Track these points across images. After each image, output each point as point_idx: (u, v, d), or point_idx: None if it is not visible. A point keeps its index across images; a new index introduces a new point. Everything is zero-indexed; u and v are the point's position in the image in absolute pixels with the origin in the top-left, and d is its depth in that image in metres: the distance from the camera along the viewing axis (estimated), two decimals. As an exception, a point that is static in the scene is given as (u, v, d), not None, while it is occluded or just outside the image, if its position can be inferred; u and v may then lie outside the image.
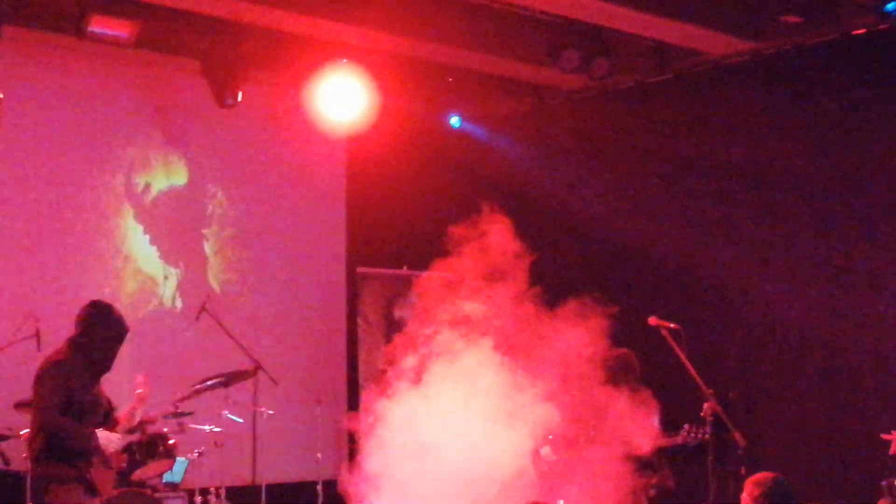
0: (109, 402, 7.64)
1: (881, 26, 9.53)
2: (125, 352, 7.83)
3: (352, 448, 8.51)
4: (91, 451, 7.29)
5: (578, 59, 10.43)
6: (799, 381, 9.88)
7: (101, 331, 7.44)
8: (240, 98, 10.48)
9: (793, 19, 9.78)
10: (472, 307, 8.27)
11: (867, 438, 9.27)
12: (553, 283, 8.32)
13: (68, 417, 7.20)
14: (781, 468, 9.19)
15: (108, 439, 7.30)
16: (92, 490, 7.31)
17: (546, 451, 8.38)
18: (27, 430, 8.07)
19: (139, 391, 7.74)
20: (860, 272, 9.57)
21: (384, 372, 8.39)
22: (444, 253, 8.26)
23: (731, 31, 10.16)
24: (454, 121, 10.84)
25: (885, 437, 6.94)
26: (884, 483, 7.04)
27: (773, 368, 10.07)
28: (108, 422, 7.53)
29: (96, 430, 7.24)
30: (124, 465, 8.22)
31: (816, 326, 9.76)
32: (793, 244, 9.98)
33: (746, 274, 10.19)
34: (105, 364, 7.47)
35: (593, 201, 11.10)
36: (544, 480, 8.35)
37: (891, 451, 6.98)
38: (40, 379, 7.34)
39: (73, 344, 7.46)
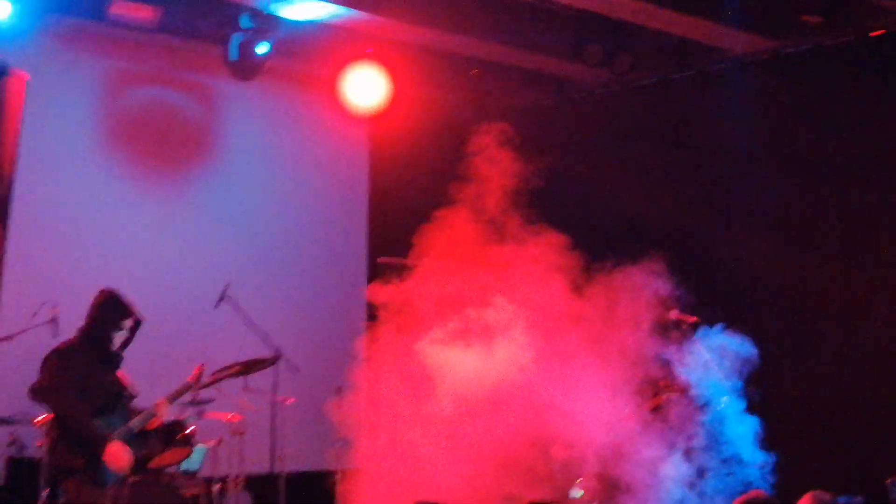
0: (124, 390, 7.56)
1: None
2: (144, 339, 7.86)
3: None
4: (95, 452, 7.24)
5: (602, 53, 10.49)
6: (814, 372, 9.91)
7: (104, 318, 7.45)
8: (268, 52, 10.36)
9: (813, 19, 9.81)
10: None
11: (879, 434, 9.35)
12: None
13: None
14: (794, 459, 9.34)
15: (118, 456, 7.23)
16: (98, 481, 7.26)
17: (577, 493, 8.42)
18: (42, 416, 8.10)
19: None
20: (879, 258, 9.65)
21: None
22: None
23: (753, 29, 10.20)
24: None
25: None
26: (889, 481, 7.06)
27: (790, 362, 10.08)
28: (121, 410, 7.45)
29: (112, 443, 7.21)
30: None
31: (834, 313, 9.81)
32: (815, 232, 10.04)
33: (769, 260, 10.20)
34: (107, 350, 7.44)
35: (614, 193, 11.12)
36: None
37: None
38: (43, 366, 7.38)
39: (81, 331, 7.50)
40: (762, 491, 6.95)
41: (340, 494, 9.63)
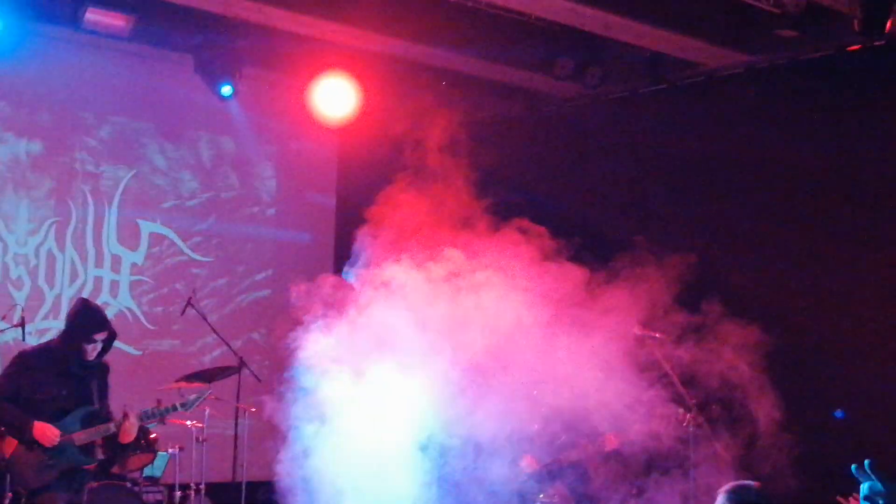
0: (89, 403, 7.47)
1: (876, 42, 9.50)
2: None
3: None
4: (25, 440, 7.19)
5: (572, 66, 10.47)
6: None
7: (77, 329, 7.38)
8: (231, 94, 10.49)
9: (788, 33, 9.77)
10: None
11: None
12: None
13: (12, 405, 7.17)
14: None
15: (47, 435, 7.19)
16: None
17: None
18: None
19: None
20: (840, 267, 9.59)
21: None
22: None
23: (726, 43, 10.16)
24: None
25: (840, 499, 6.83)
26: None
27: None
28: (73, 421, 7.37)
29: (37, 422, 7.13)
30: None
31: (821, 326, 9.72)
32: (787, 245, 9.95)
33: (739, 271, 10.13)
34: (74, 359, 7.36)
35: (582, 206, 11.08)
36: None
37: None
38: None
39: (57, 338, 7.49)
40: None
41: (299, 504, 9.61)
